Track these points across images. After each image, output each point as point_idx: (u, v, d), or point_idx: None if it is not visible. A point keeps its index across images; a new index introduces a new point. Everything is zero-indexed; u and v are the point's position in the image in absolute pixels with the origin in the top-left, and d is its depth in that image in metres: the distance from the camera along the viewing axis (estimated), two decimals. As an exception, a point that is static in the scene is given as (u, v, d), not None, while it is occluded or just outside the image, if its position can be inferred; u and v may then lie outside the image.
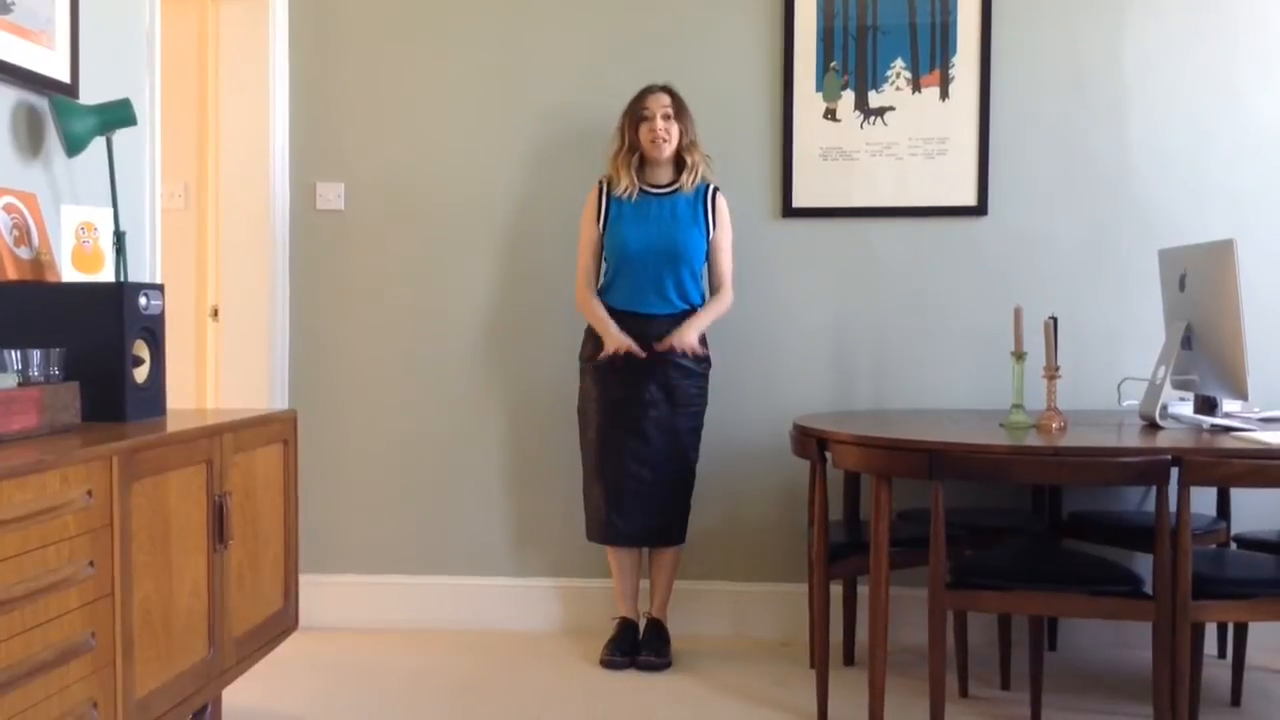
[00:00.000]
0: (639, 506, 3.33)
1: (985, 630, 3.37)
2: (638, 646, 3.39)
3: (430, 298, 3.77)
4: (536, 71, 3.72)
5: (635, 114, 3.35)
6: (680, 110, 3.35)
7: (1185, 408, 3.03)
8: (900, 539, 2.97)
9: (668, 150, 3.33)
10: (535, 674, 3.30)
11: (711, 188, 3.41)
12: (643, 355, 3.28)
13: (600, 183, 3.43)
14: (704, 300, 3.41)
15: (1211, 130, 3.56)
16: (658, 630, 3.43)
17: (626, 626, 3.43)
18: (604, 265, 3.44)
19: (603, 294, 3.42)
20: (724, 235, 3.42)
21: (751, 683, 3.22)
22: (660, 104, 3.32)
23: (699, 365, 3.38)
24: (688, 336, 3.30)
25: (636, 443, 3.32)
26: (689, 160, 3.36)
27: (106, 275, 2.56)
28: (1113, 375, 3.45)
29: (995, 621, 3.23)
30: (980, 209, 3.61)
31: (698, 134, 3.40)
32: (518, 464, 3.77)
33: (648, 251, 3.32)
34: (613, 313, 3.36)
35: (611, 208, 3.38)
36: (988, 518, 3.30)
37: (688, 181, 3.36)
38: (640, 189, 3.36)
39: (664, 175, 3.38)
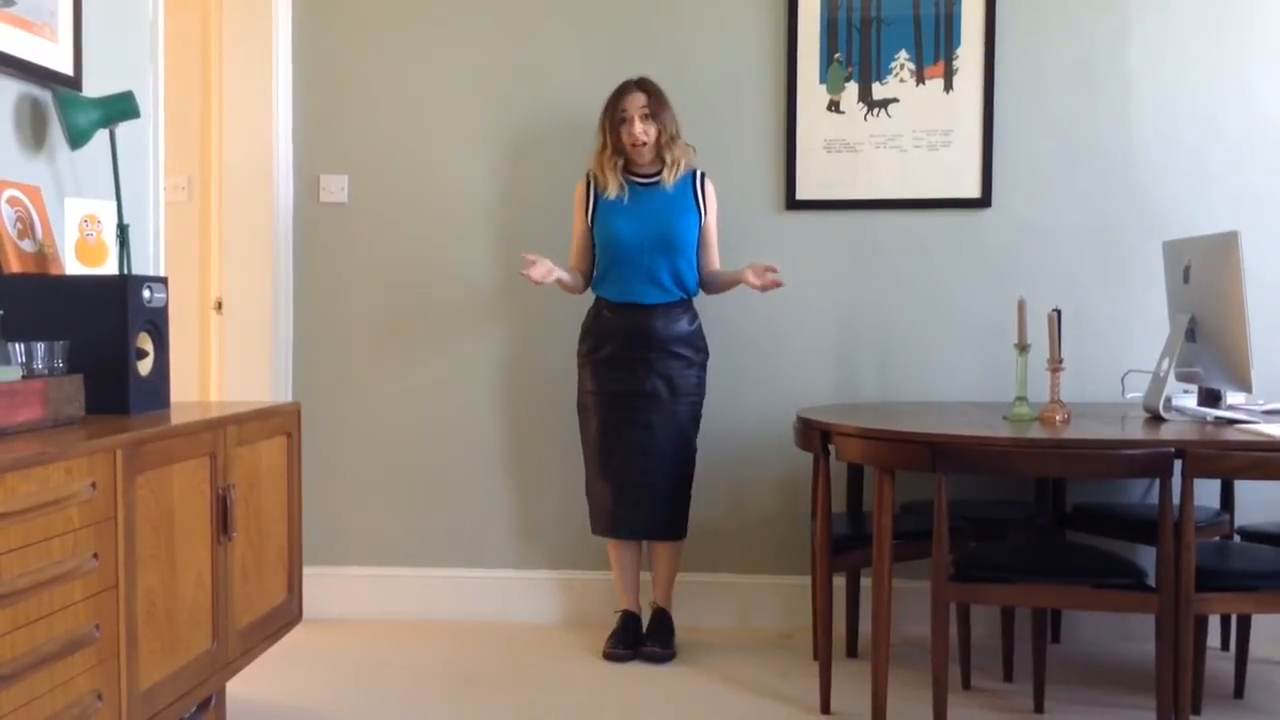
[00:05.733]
0: (644, 499, 3.33)
1: (988, 622, 3.37)
2: (641, 639, 3.40)
3: (433, 290, 3.77)
4: (540, 62, 3.72)
5: (613, 116, 3.33)
6: (658, 106, 3.31)
7: (1189, 400, 3.03)
8: (903, 531, 2.98)
9: (648, 153, 3.33)
10: (538, 666, 3.31)
11: (699, 173, 3.40)
12: (527, 266, 3.22)
13: (588, 175, 3.42)
14: (698, 286, 3.41)
15: (1217, 122, 3.55)
16: (663, 620, 3.43)
17: (629, 619, 3.44)
18: (596, 258, 3.43)
19: (596, 286, 3.42)
20: (713, 218, 3.43)
21: (754, 674, 3.23)
22: (636, 105, 3.30)
23: (697, 355, 3.38)
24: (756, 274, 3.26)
25: (640, 434, 3.32)
26: (668, 157, 3.32)
27: (110, 268, 2.56)
28: (1117, 368, 3.44)
29: (998, 614, 3.23)
30: (984, 201, 3.60)
31: (678, 126, 3.36)
32: (520, 456, 3.77)
33: (641, 242, 3.31)
34: (609, 305, 3.37)
35: (600, 201, 3.38)
36: (991, 510, 3.30)
37: (669, 177, 3.33)
38: (629, 180, 3.36)
39: (650, 166, 3.37)
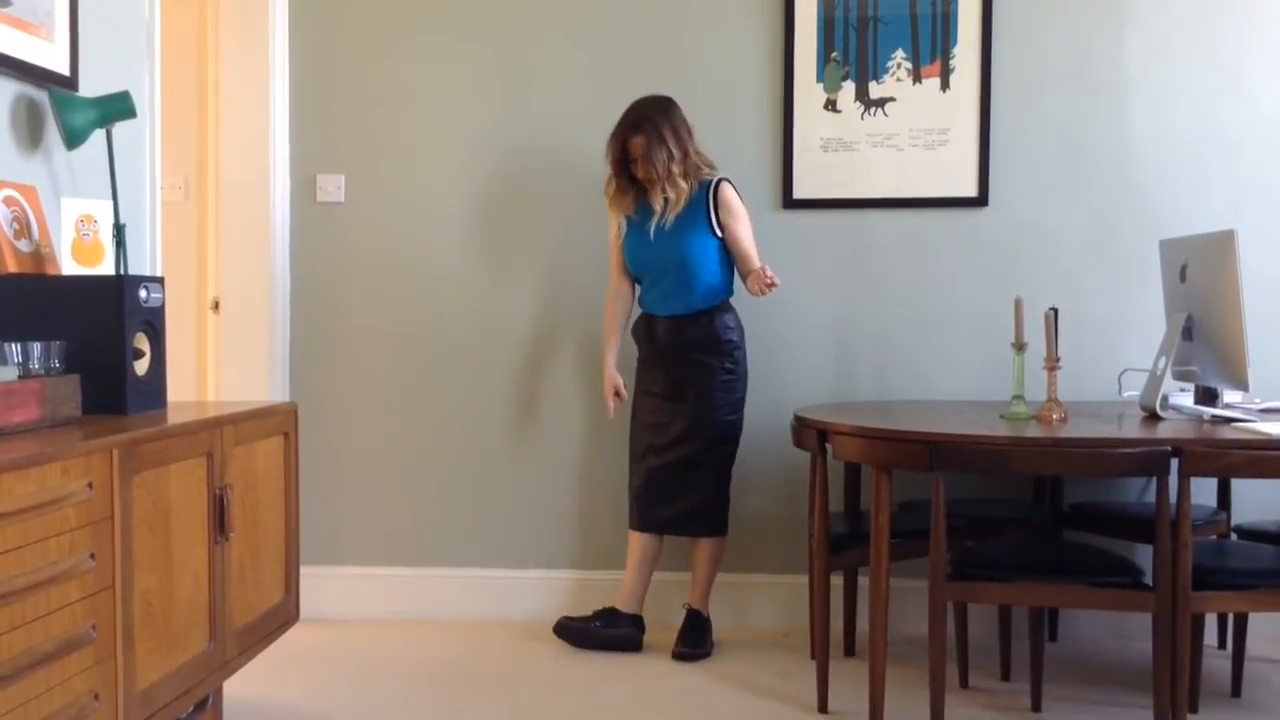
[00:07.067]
0: (651, 495, 3.40)
1: (986, 621, 3.37)
2: (613, 627, 3.42)
3: (430, 290, 3.77)
4: (538, 62, 3.72)
5: (622, 158, 3.34)
6: (651, 144, 3.28)
7: (1186, 399, 3.03)
8: (901, 530, 2.98)
9: (658, 184, 3.33)
10: (537, 665, 3.31)
11: (715, 182, 3.37)
12: (614, 402, 3.51)
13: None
14: (729, 287, 3.41)
15: (1213, 120, 3.55)
16: (690, 621, 3.43)
17: (606, 610, 3.45)
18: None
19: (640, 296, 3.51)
20: (736, 222, 3.36)
21: (752, 673, 3.23)
22: (637, 148, 3.30)
23: (716, 359, 3.36)
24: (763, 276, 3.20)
25: (650, 433, 3.41)
26: (671, 195, 3.29)
27: (107, 268, 2.56)
28: (1114, 366, 3.44)
29: (996, 612, 3.24)
30: (981, 200, 3.60)
31: (684, 149, 3.30)
32: (518, 456, 3.77)
33: (650, 265, 3.40)
34: (641, 314, 3.48)
35: (625, 221, 3.46)
36: (988, 509, 3.30)
37: (670, 214, 3.30)
38: (643, 203, 3.39)
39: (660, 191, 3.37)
